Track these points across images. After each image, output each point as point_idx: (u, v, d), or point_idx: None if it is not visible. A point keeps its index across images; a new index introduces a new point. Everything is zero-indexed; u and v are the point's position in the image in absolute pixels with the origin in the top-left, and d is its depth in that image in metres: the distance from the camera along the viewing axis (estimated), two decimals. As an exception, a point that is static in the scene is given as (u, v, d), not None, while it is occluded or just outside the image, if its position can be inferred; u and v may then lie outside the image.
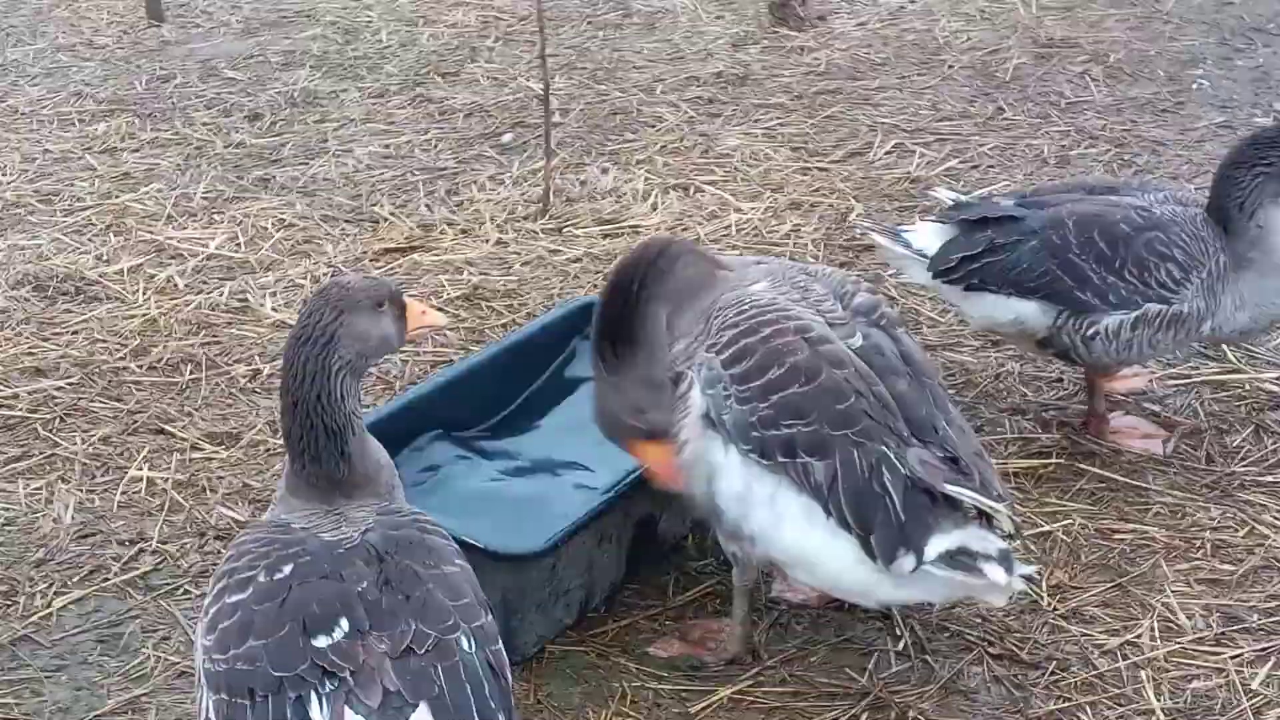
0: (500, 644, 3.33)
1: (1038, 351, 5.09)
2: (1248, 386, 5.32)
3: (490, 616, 3.35)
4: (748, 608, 4.21)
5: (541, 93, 7.22)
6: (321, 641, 3.15)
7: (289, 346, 3.45)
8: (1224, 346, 5.35)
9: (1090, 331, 4.84)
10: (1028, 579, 3.85)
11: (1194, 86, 7.91)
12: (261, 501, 4.79)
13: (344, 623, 3.17)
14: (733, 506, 3.89)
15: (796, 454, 3.80)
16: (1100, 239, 4.82)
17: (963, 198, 5.14)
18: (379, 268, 6.26)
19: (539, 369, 4.94)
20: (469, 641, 3.22)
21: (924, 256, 5.02)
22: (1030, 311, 4.91)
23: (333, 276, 6.10)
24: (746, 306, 3.96)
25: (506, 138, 7.44)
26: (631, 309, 4.02)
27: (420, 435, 4.60)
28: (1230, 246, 4.84)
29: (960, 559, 3.71)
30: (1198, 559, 4.57)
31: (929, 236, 5.05)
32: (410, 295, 3.63)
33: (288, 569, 3.28)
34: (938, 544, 3.71)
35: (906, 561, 3.72)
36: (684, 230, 6.48)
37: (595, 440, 4.63)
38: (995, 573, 3.68)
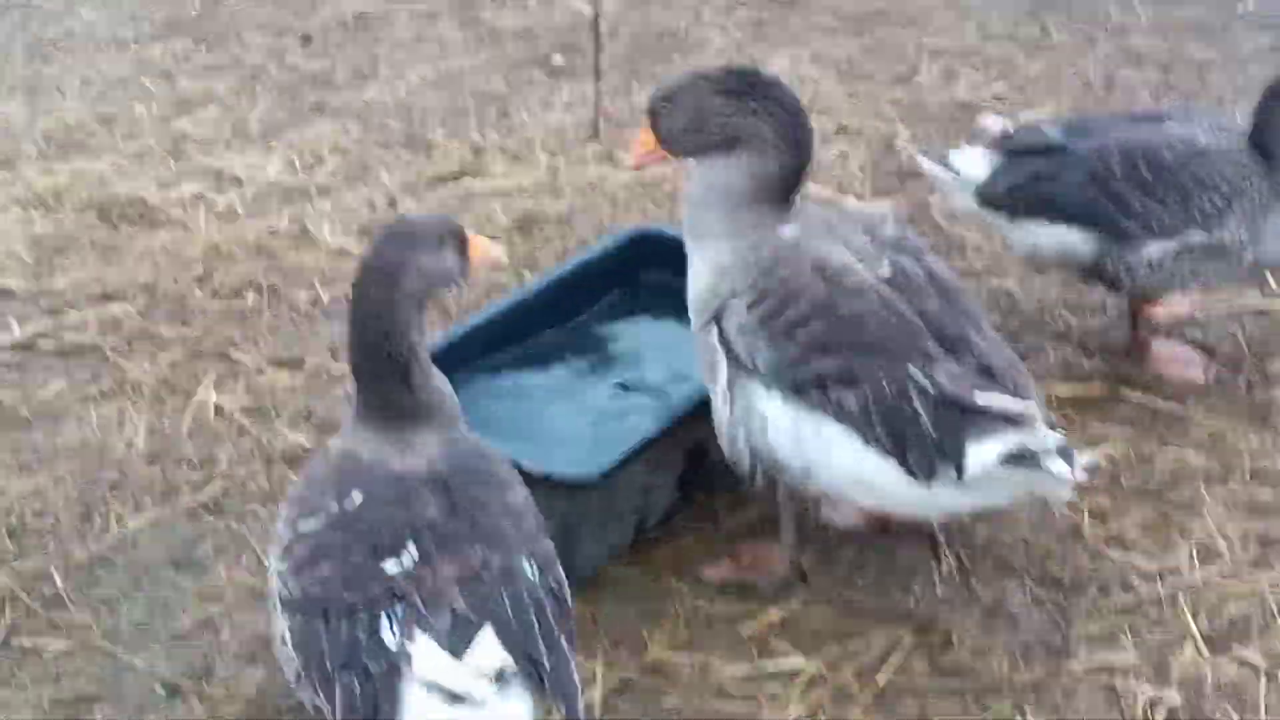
0: (560, 569, 3.48)
1: (1083, 278, 5.17)
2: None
3: (550, 542, 3.50)
4: (795, 532, 4.34)
5: (590, 15, 7.31)
6: (391, 566, 3.31)
7: (355, 282, 3.58)
8: (1267, 274, 5.41)
9: (1134, 259, 4.93)
10: (1089, 471, 3.94)
11: (1240, 8, 7.91)
12: (325, 426, 4.94)
13: (412, 548, 3.33)
14: (788, 447, 4.00)
15: (828, 387, 3.92)
16: (1144, 167, 4.90)
17: (1010, 126, 5.21)
18: (433, 194, 6.37)
19: (587, 300, 5.06)
20: (531, 566, 3.38)
21: (971, 182, 5.11)
22: (1075, 239, 5.00)
23: (390, 206, 6.24)
24: (766, 250, 4.07)
25: (556, 60, 7.51)
26: None
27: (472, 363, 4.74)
28: (1272, 175, 4.90)
29: (1021, 458, 3.80)
30: (1237, 485, 4.67)
31: (976, 163, 5.13)
32: (470, 230, 3.72)
33: (358, 496, 3.44)
34: (986, 450, 3.80)
35: (947, 475, 3.84)
36: (732, 155, 6.55)
37: (647, 369, 4.80)
38: (1057, 466, 3.77)
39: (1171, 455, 4.80)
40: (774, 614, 4.27)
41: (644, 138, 4.26)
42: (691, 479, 4.57)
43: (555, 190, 6.36)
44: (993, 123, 5.24)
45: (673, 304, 4.96)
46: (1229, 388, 5.08)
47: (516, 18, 8.14)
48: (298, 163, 6.64)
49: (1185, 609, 4.23)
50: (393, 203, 6.30)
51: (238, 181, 6.49)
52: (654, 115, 4.19)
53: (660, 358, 4.87)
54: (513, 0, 8.36)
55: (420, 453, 3.54)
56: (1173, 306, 5.41)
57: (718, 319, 4.10)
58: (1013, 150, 5.08)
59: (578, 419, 4.64)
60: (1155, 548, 4.47)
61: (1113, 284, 5.06)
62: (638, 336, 4.98)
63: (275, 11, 8.33)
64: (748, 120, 4.06)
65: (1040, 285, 5.62)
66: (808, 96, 7.06)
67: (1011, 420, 3.81)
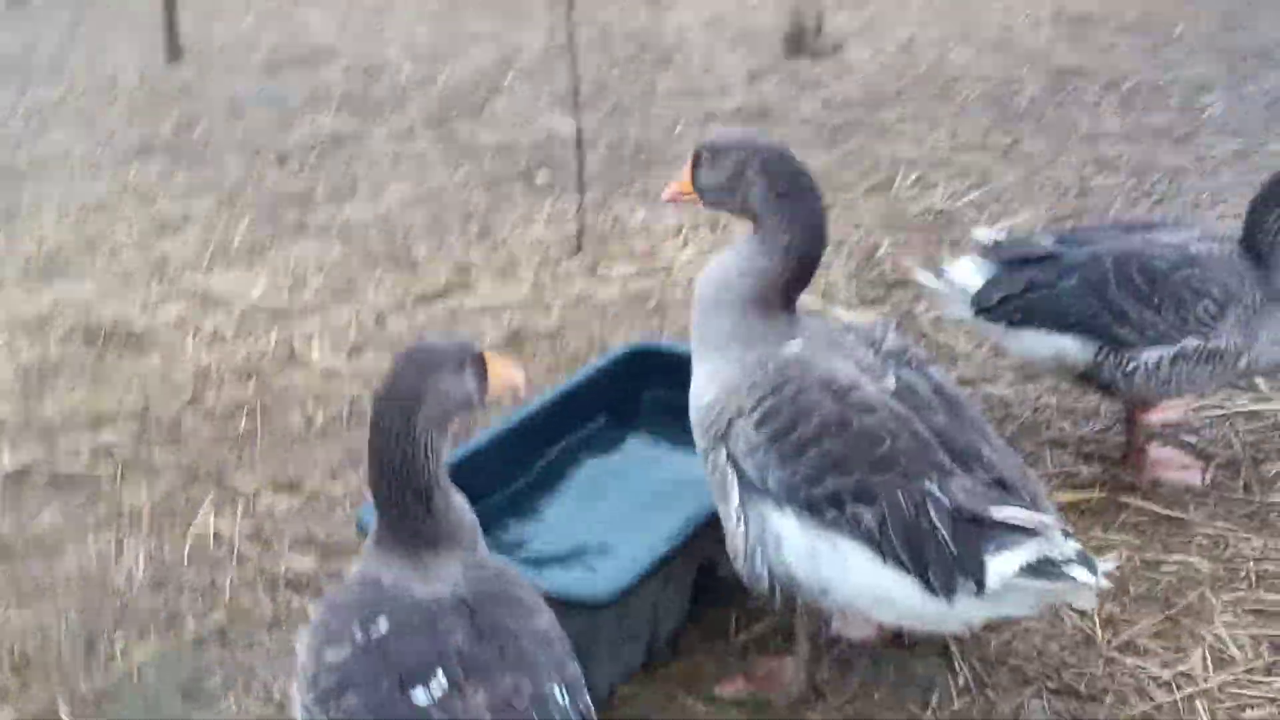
0: (587, 694, 3.44)
1: (1078, 384, 5.21)
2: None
3: (577, 666, 3.46)
4: (810, 646, 4.32)
5: (568, 131, 7.37)
6: (420, 696, 3.26)
7: (375, 407, 3.56)
8: (1259, 379, 5.46)
9: (1130, 366, 4.97)
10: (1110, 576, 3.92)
11: (1206, 114, 8.05)
12: (328, 550, 4.90)
13: (441, 676, 3.28)
14: (804, 566, 3.99)
15: (844, 504, 3.91)
16: (1138, 276, 4.95)
17: (1001, 237, 5.26)
18: (421, 311, 6.37)
19: (589, 416, 5.06)
20: (561, 692, 3.34)
21: (965, 293, 5.15)
22: (1071, 346, 5.04)
23: (377, 324, 6.23)
24: (772, 366, 4.08)
25: (540, 177, 7.56)
26: None
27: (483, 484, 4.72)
28: (1266, 280, 4.96)
29: (1043, 568, 3.78)
30: (1243, 589, 4.68)
31: (970, 273, 5.17)
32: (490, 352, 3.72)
33: (383, 624, 3.39)
34: (1005, 562, 3.78)
35: (967, 590, 3.82)
36: (717, 268, 6.60)
37: (653, 483, 4.79)
38: (1080, 573, 3.75)
39: (1176, 561, 4.81)
40: (791, 730, 4.24)
41: (683, 177, 4.26)
42: (702, 594, 4.55)
43: (543, 306, 6.38)
44: (985, 234, 5.29)
45: (673, 418, 4.99)
46: (1227, 492, 5.10)
47: (493, 134, 8.19)
48: (282, 282, 6.64)
49: (1205, 715, 4.22)
50: (380, 321, 6.30)
51: (223, 303, 6.48)
52: (696, 161, 4.20)
53: (665, 471, 4.87)
54: (488, 117, 8.43)
55: (443, 577, 3.50)
56: (1167, 411, 5.45)
57: (724, 439, 4.09)
58: (1007, 260, 5.13)
59: (588, 536, 4.61)
60: (1168, 654, 4.46)
61: (1108, 389, 5.10)
62: (641, 451, 4.97)
63: (250, 132, 8.37)
64: (774, 200, 4.08)
65: (1033, 392, 5.66)
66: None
67: (1028, 531, 3.82)
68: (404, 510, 3.56)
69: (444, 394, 3.58)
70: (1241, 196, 6.97)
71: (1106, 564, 3.87)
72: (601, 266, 6.65)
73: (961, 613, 3.91)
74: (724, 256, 4.24)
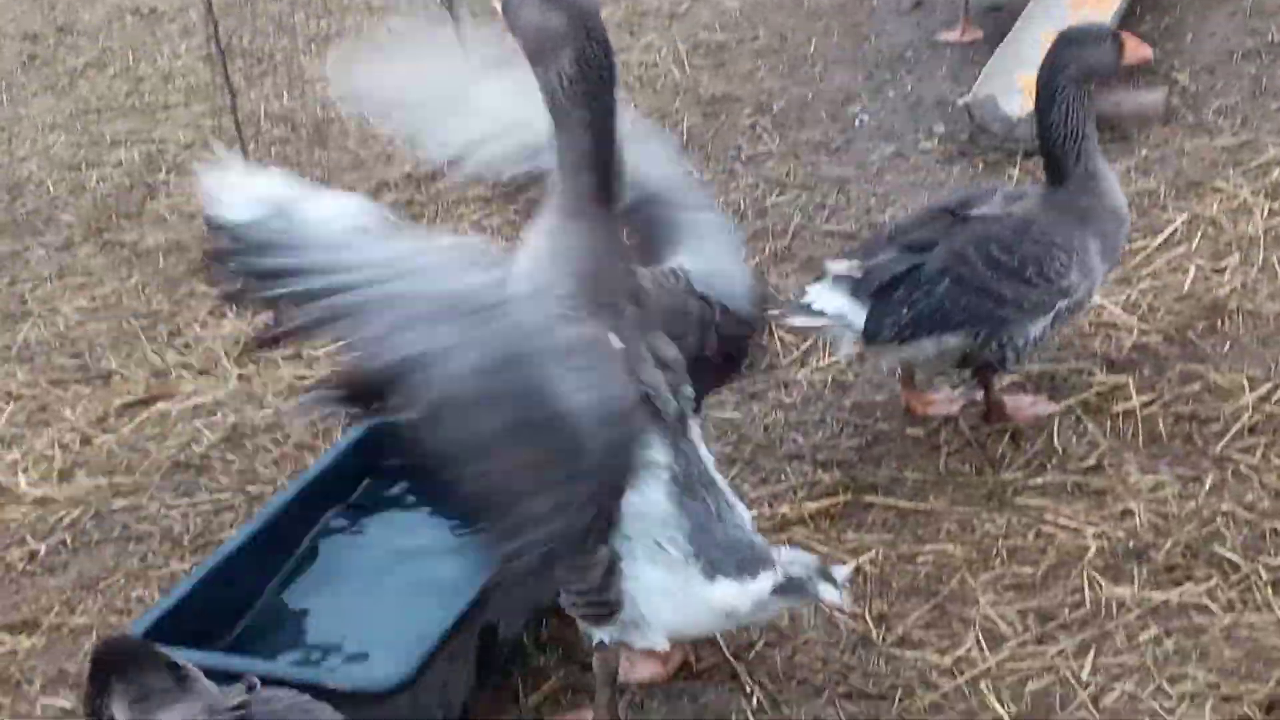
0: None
1: (954, 368, 5.50)
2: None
3: None
4: (611, 692, 4.30)
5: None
6: None
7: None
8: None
9: (1019, 342, 5.22)
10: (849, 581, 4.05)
11: (856, 123, 8.35)
12: (83, 686, 4.64)
13: None
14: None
15: None
16: (1001, 255, 5.15)
17: (856, 271, 5.25)
18: (126, 424, 6.13)
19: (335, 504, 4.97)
20: None
21: (851, 328, 5.23)
22: (955, 341, 5.24)
23: (84, 444, 5.96)
24: None
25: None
26: None
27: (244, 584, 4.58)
28: (1073, 206, 5.24)
29: (791, 587, 3.91)
30: (998, 567, 4.86)
31: (837, 300, 5.25)
32: None
33: None
34: (762, 583, 3.91)
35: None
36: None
37: (419, 564, 4.73)
38: (826, 591, 3.91)
39: (930, 550, 4.96)
40: (601, 783, 4.21)
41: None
42: (485, 662, 4.49)
43: (254, 398, 6.21)
44: (841, 267, 5.31)
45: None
46: (962, 478, 5.29)
47: (157, 234, 7.95)
48: (-30, 417, 6.31)
49: (990, 695, 4.36)
50: (86, 440, 6.04)
51: (-88, 446, 6.12)
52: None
53: (424, 546, 4.81)
54: (150, 218, 8.18)
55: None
56: (937, 404, 5.68)
57: None
58: (874, 288, 5.20)
59: (362, 626, 4.51)
60: (943, 641, 4.60)
61: (986, 366, 5.33)
62: (397, 528, 4.90)
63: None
64: (580, 97, 3.79)
65: (759, 410, 5.76)
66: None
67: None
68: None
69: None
70: (905, 195, 7.31)
71: (844, 570, 4.00)
72: (306, 351, 6.51)
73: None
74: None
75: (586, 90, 3.78)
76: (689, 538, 3.93)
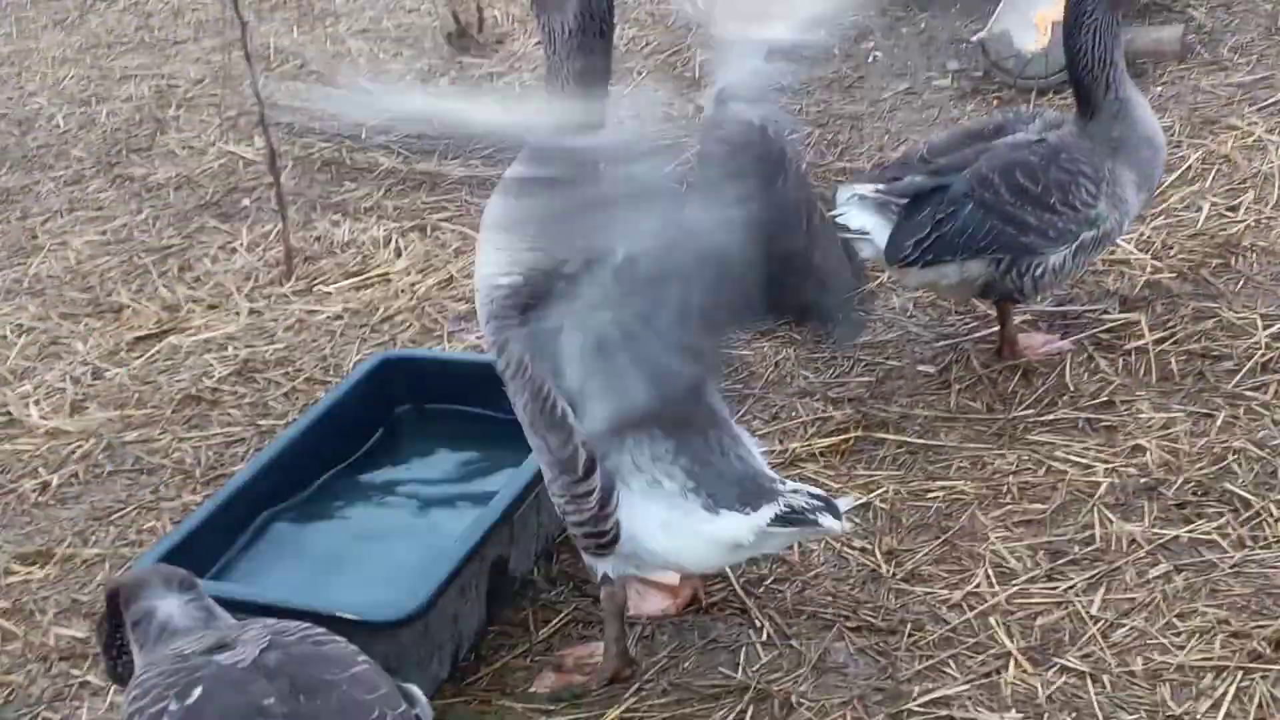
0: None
1: (973, 297, 5.48)
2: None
3: (408, 704, 3.38)
4: (620, 625, 4.31)
5: (250, 155, 7.23)
6: None
7: None
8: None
9: (1039, 271, 5.18)
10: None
11: (869, 60, 8.30)
12: (96, 615, 4.67)
13: None
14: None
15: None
16: (1026, 181, 5.12)
17: (876, 187, 5.29)
18: (137, 355, 6.14)
19: (350, 437, 4.97)
20: None
21: (872, 243, 5.22)
22: (978, 267, 5.22)
23: (95, 377, 5.97)
24: None
25: (245, 203, 7.33)
26: None
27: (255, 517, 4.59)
28: (1104, 135, 5.20)
29: (792, 518, 3.92)
30: (1008, 504, 4.86)
31: (863, 216, 5.24)
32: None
33: (196, 692, 3.26)
34: (761, 514, 3.92)
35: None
36: (434, 270, 6.54)
37: (433, 495, 4.73)
38: (827, 520, 3.91)
39: (940, 486, 4.96)
40: (611, 714, 4.22)
41: None
42: (496, 596, 4.51)
43: (265, 333, 6.22)
44: (863, 188, 5.31)
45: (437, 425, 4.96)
46: (973, 414, 5.28)
47: (169, 169, 7.93)
48: (-18, 350, 6.32)
49: (1000, 629, 4.37)
50: (98, 372, 6.05)
51: (-76, 380, 6.13)
52: None
53: (440, 479, 4.82)
54: (160, 153, 8.16)
55: (248, 644, 3.38)
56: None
57: None
58: (899, 203, 5.21)
59: (375, 556, 4.53)
60: (953, 577, 4.60)
61: (1007, 296, 5.31)
62: (412, 462, 4.91)
63: (-93, 198, 7.93)
64: (578, 47, 3.83)
65: (769, 348, 5.75)
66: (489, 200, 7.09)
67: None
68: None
69: None
70: (917, 132, 7.27)
71: (845, 501, 4.01)
72: (317, 285, 6.51)
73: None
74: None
75: (583, 43, 3.82)
76: (687, 472, 3.94)
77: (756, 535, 3.94)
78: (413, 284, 6.46)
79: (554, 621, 4.56)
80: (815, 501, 3.93)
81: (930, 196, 5.18)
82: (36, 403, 5.89)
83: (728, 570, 4.58)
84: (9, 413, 5.84)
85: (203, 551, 4.35)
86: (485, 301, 3.99)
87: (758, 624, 4.47)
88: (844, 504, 3.97)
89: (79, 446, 5.58)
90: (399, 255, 6.70)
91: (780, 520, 3.91)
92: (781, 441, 5.21)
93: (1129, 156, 5.22)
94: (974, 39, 7.82)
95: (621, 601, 4.28)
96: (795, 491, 3.96)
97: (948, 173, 5.21)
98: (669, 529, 3.96)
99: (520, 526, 4.52)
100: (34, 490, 5.39)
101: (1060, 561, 4.59)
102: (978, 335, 5.64)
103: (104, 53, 9.98)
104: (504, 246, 3.91)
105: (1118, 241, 5.73)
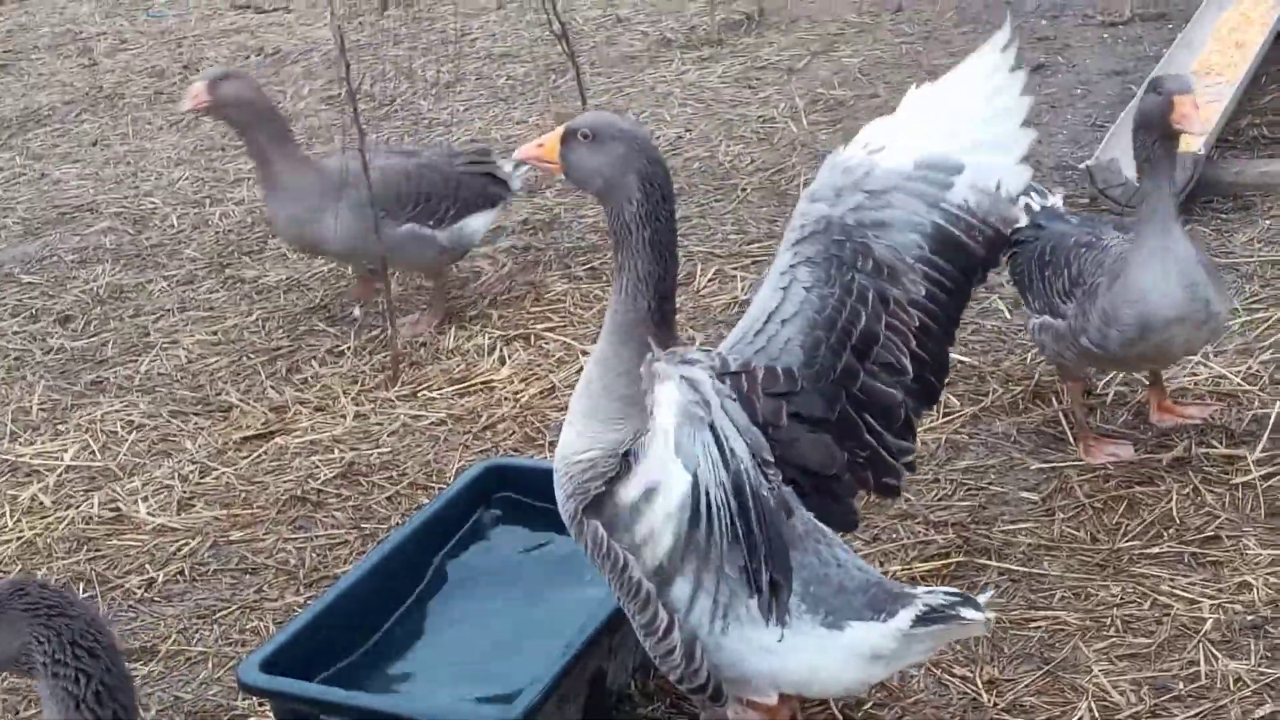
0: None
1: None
2: (1110, 466, 5.61)
3: None
4: None
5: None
6: None
7: None
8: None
9: (1031, 324, 5.71)
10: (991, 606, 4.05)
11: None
12: (198, 713, 4.73)
13: None
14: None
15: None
16: (1050, 254, 5.62)
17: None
18: (244, 455, 6.23)
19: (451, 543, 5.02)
20: None
21: None
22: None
23: (203, 475, 6.05)
24: None
25: (355, 313, 7.44)
26: None
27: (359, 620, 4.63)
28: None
29: (932, 617, 3.87)
30: (1112, 636, 4.81)
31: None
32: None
33: None
34: (901, 618, 3.88)
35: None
36: (537, 379, 6.61)
37: (532, 603, 4.75)
38: (968, 612, 3.85)
39: (1043, 616, 4.93)
40: (710, 834, 4.21)
41: (549, 145, 4.12)
42: (593, 708, 4.51)
43: (370, 436, 6.29)
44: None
45: (539, 532, 4.99)
46: (1077, 544, 5.25)
47: (278, 271, 8.07)
48: (93, 444, 6.43)
49: (1101, 765, 4.32)
50: (205, 471, 6.14)
51: (35, 472, 6.24)
52: (568, 137, 4.07)
53: (539, 587, 4.84)
54: (270, 253, 8.31)
55: None
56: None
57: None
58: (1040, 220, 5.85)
59: (478, 662, 4.55)
60: (1054, 709, 4.56)
61: None
62: (511, 569, 4.94)
63: (23, 295, 8.11)
64: (645, 219, 3.96)
65: (871, 469, 5.73)
66: (595, 314, 7.18)
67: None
68: None
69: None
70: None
71: (984, 596, 3.97)
72: (422, 391, 6.59)
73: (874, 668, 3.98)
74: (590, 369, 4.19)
75: (650, 210, 3.96)
76: (800, 595, 3.92)
77: (899, 640, 3.88)
78: (515, 392, 6.52)
79: (648, 737, 4.56)
80: (952, 597, 3.88)
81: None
82: (145, 499, 5.98)
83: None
84: (118, 508, 5.94)
85: (306, 653, 4.39)
86: (563, 480, 4.09)
87: (854, 750, 4.45)
88: (983, 598, 3.91)
89: (185, 544, 5.66)
90: (503, 363, 6.77)
91: (922, 620, 3.86)
92: (882, 564, 5.19)
93: (1108, 291, 5.30)
94: (1081, 166, 7.84)
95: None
96: (929, 592, 3.92)
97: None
98: (782, 653, 3.93)
99: (619, 639, 4.53)
100: (140, 586, 5.47)
101: (1165, 698, 4.54)
102: (1081, 464, 5.61)
103: (217, 155, 10.19)
104: (583, 429, 4.07)
105: (1224, 373, 5.71)
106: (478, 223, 7.23)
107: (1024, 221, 5.58)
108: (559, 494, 4.12)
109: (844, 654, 3.91)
